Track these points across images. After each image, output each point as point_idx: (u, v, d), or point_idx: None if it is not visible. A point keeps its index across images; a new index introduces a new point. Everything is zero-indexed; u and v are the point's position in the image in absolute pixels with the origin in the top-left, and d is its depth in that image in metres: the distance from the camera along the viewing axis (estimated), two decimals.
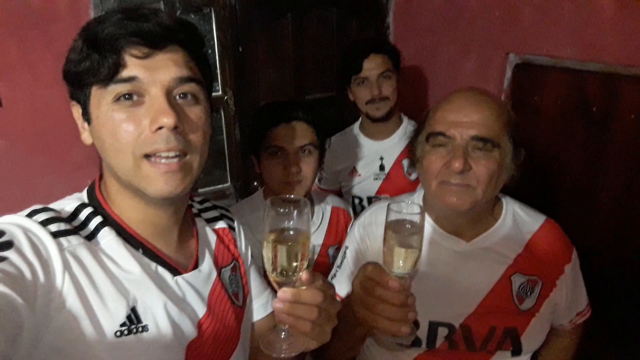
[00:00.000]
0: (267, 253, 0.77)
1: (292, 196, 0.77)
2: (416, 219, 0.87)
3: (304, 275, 0.76)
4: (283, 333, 0.79)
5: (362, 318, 0.90)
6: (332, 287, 0.81)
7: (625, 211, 1.92)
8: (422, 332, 1.13)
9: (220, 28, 2.16)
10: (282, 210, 0.75)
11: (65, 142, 1.86)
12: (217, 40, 2.17)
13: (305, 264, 0.77)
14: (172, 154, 0.75)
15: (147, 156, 0.74)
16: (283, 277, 0.77)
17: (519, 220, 1.20)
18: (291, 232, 0.75)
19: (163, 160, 0.75)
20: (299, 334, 0.78)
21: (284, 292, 0.75)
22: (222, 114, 2.31)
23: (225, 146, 2.37)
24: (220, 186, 2.43)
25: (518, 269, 1.14)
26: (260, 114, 1.49)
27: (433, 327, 1.13)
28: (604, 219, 2.00)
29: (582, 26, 1.91)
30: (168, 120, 0.72)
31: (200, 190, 2.34)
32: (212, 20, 2.13)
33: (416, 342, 1.14)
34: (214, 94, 2.17)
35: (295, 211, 0.75)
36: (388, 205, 0.88)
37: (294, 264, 0.76)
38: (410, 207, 0.88)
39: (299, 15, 2.43)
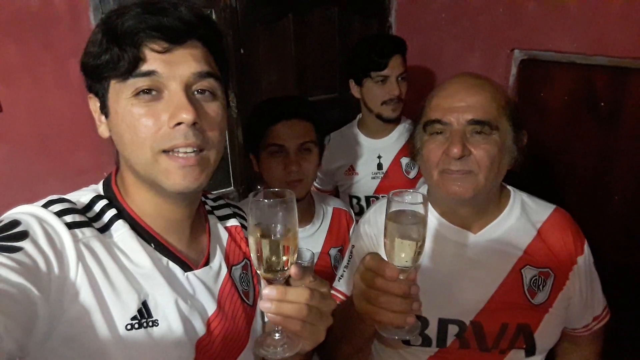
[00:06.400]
0: (253, 248, 0.74)
1: (277, 189, 0.74)
2: (419, 208, 0.83)
3: (292, 269, 0.74)
4: (277, 334, 0.76)
5: (365, 313, 0.86)
6: (325, 284, 0.78)
7: (636, 208, 1.88)
8: (432, 331, 1.10)
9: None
10: (266, 202, 0.72)
11: (67, 147, 1.85)
12: None
13: (293, 258, 0.75)
14: (189, 149, 0.75)
15: (165, 151, 0.75)
16: (271, 273, 0.74)
17: (527, 209, 1.17)
18: (277, 226, 0.72)
19: (181, 155, 0.75)
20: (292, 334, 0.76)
21: (270, 290, 0.72)
22: None
23: (228, 150, 2.34)
24: (223, 190, 2.40)
25: (529, 262, 1.11)
26: (259, 111, 1.46)
27: (443, 324, 1.09)
28: (614, 217, 1.97)
29: (589, 19, 1.89)
30: (187, 116, 0.72)
31: None
32: None
33: (426, 342, 1.11)
34: None
35: (281, 204, 0.72)
36: (389, 194, 0.85)
37: (283, 258, 0.73)
38: (412, 196, 0.85)
39: (300, 15, 2.41)
